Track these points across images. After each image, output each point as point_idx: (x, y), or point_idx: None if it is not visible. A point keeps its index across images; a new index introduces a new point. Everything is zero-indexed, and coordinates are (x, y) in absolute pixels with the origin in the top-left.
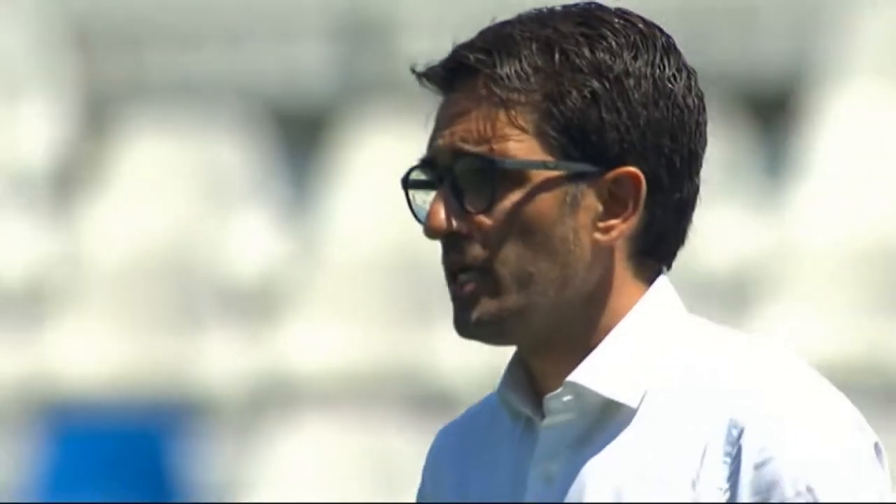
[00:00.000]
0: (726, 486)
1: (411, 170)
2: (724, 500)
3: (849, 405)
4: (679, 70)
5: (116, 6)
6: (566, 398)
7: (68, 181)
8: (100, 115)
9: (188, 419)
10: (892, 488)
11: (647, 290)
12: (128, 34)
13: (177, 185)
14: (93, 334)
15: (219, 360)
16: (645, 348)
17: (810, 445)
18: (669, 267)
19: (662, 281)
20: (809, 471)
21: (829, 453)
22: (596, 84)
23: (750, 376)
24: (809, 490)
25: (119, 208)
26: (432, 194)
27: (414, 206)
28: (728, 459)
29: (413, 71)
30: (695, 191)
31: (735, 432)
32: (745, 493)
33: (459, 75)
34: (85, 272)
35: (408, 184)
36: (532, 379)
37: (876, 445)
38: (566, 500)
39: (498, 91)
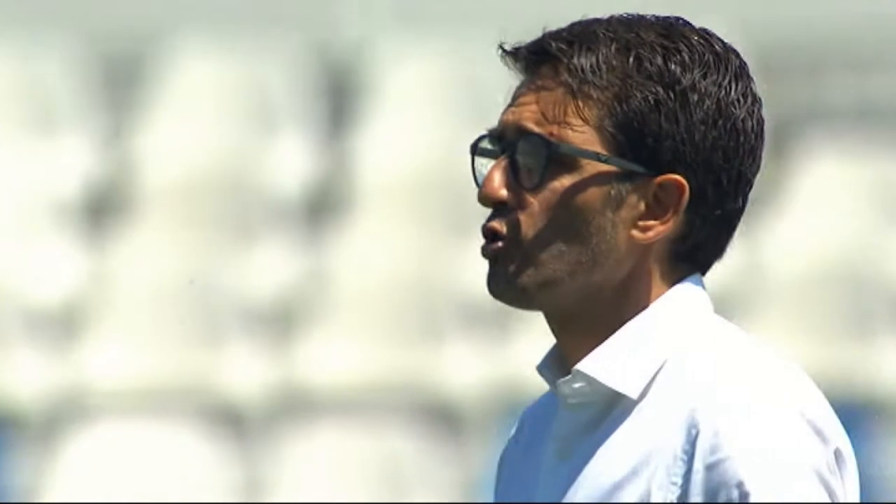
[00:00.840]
0: (680, 481)
1: (480, 138)
2: (675, 495)
3: (816, 413)
4: (745, 95)
5: (798, 31)
6: (576, 385)
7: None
8: (779, 138)
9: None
10: (849, 495)
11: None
12: (808, 59)
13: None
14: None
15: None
16: (651, 343)
17: (758, 452)
18: (703, 273)
19: (688, 282)
20: (755, 475)
21: (779, 462)
22: (661, 93)
23: (723, 380)
24: (746, 493)
25: None
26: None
27: (476, 171)
28: (685, 458)
29: (501, 48)
30: (738, 210)
31: (693, 432)
32: (695, 491)
33: (541, 60)
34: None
35: (475, 150)
36: (563, 358)
37: (836, 451)
38: (573, 481)
39: (570, 80)
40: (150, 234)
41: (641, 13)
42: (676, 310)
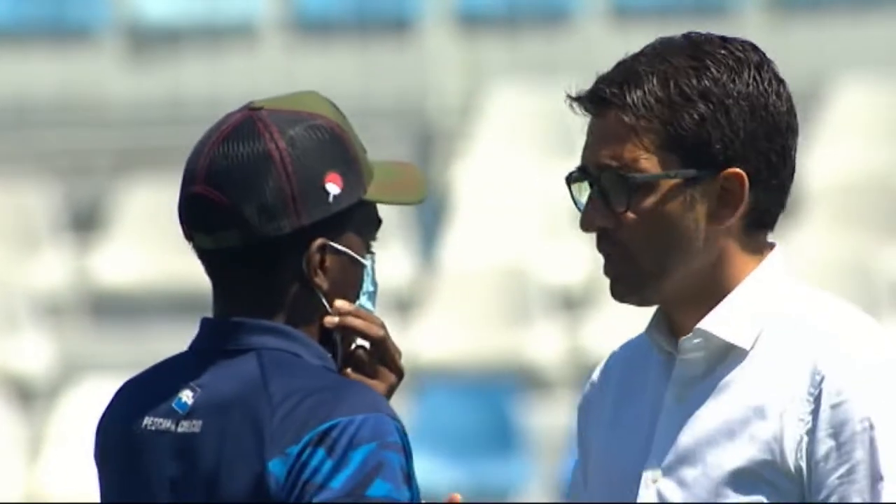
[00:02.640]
0: (808, 418)
1: (572, 172)
2: (804, 429)
3: None
4: (770, 82)
5: None
6: (696, 341)
7: None
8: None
9: None
10: None
11: (758, 256)
12: None
13: None
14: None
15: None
16: (758, 304)
17: (876, 392)
18: (772, 228)
19: (777, 253)
20: (873, 412)
21: (892, 397)
22: (703, 108)
23: (835, 333)
24: (872, 426)
25: None
26: (585, 189)
27: (576, 200)
28: (810, 398)
29: (567, 97)
30: (790, 172)
31: (818, 377)
32: (822, 425)
33: (600, 104)
34: None
35: (570, 180)
36: (672, 324)
37: None
38: (690, 418)
39: (627, 119)
40: None
41: (671, 37)
42: (771, 278)
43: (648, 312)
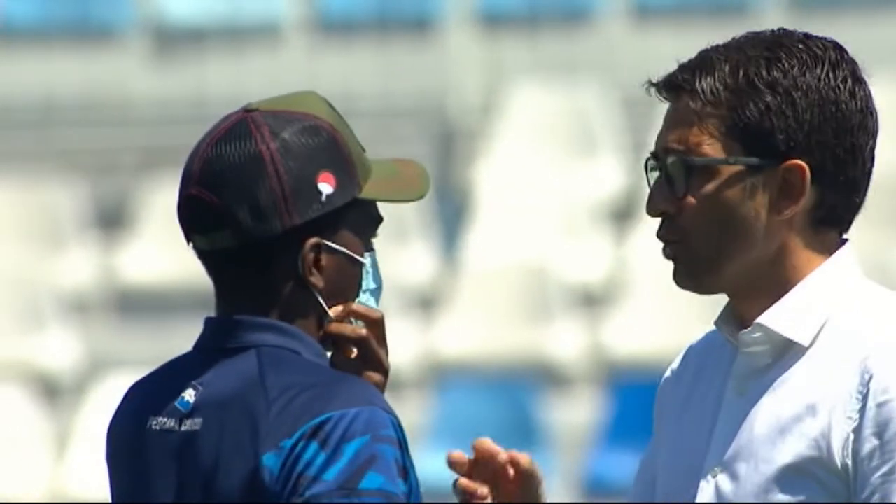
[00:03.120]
0: (856, 416)
1: (647, 159)
2: (851, 427)
3: None
4: (844, 81)
5: None
6: (755, 335)
7: None
8: None
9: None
10: None
11: (825, 252)
12: None
13: None
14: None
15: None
16: (820, 300)
17: None
18: (846, 231)
19: (846, 250)
20: None
21: None
22: (769, 98)
23: (888, 334)
24: None
25: None
26: (656, 174)
27: (650, 185)
28: (859, 396)
29: (649, 83)
30: (861, 172)
31: (867, 377)
32: (868, 423)
33: (672, 89)
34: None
35: (646, 168)
36: (738, 317)
37: None
38: (750, 412)
39: (694, 105)
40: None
41: (758, 31)
42: (836, 275)
43: (673, 311)
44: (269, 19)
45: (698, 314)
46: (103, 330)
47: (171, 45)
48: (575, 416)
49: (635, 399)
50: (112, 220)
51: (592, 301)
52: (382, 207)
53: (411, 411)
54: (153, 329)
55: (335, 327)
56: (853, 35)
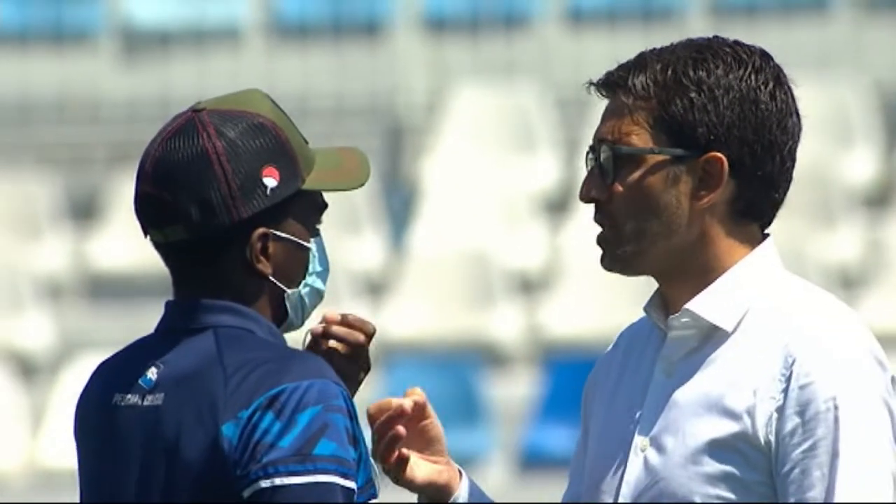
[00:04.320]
0: (779, 396)
1: (587, 152)
2: (774, 406)
3: (876, 348)
4: (765, 83)
5: None
6: (683, 319)
7: None
8: None
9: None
10: None
11: (747, 244)
12: None
13: None
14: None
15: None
16: (744, 289)
17: (841, 376)
18: (767, 226)
19: (768, 244)
20: (837, 393)
21: (853, 382)
22: (693, 94)
23: (809, 321)
24: (836, 407)
25: None
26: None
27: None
28: (782, 378)
29: (589, 82)
30: (780, 170)
31: (790, 360)
32: (791, 403)
33: (610, 87)
34: None
35: (586, 159)
36: (666, 302)
37: (893, 378)
38: (676, 391)
39: (626, 100)
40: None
41: (695, 38)
42: (759, 266)
43: (606, 294)
44: (230, 23)
45: (628, 298)
46: (76, 312)
47: (138, 48)
48: (514, 392)
49: (570, 376)
50: (84, 210)
51: (530, 286)
52: (335, 197)
53: (361, 389)
54: (122, 312)
55: (343, 331)
56: (771, 39)
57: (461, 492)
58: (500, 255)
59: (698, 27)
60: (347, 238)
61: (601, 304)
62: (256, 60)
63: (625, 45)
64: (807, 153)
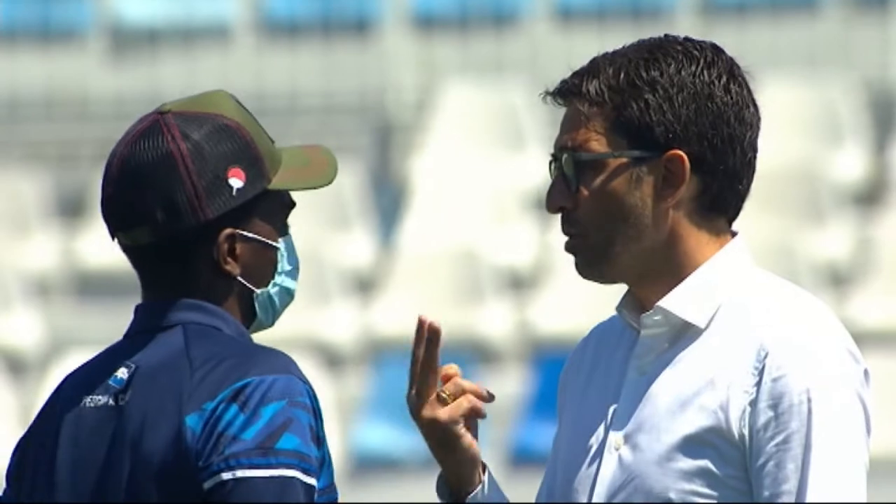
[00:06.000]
0: (752, 390)
1: (550, 161)
2: (748, 400)
3: (849, 342)
4: (718, 77)
5: None
6: (656, 318)
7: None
8: None
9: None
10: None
11: (717, 239)
12: None
13: None
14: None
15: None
16: (715, 286)
17: (814, 370)
18: (734, 219)
19: (738, 240)
20: (810, 386)
21: (827, 375)
22: (648, 95)
23: (781, 315)
24: (808, 400)
25: None
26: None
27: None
28: (755, 372)
29: (546, 92)
30: (742, 161)
31: (762, 354)
32: (764, 397)
33: (565, 96)
34: None
35: (550, 169)
36: (639, 301)
37: (865, 372)
38: (653, 387)
39: (582, 107)
40: None
41: (644, 39)
42: (729, 262)
43: (594, 292)
44: (219, 21)
45: (617, 296)
46: (65, 310)
47: (126, 46)
48: (503, 389)
49: (558, 374)
50: (72, 207)
51: (519, 283)
52: (324, 195)
53: (351, 386)
54: (110, 309)
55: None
56: (760, 38)
57: (486, 488)
58: (489, 252)
59: (687, 26)
60: (337, 235)
61: (590, 301)
62: (245, 58)
63: (614, 44)
64: (796, 151)
